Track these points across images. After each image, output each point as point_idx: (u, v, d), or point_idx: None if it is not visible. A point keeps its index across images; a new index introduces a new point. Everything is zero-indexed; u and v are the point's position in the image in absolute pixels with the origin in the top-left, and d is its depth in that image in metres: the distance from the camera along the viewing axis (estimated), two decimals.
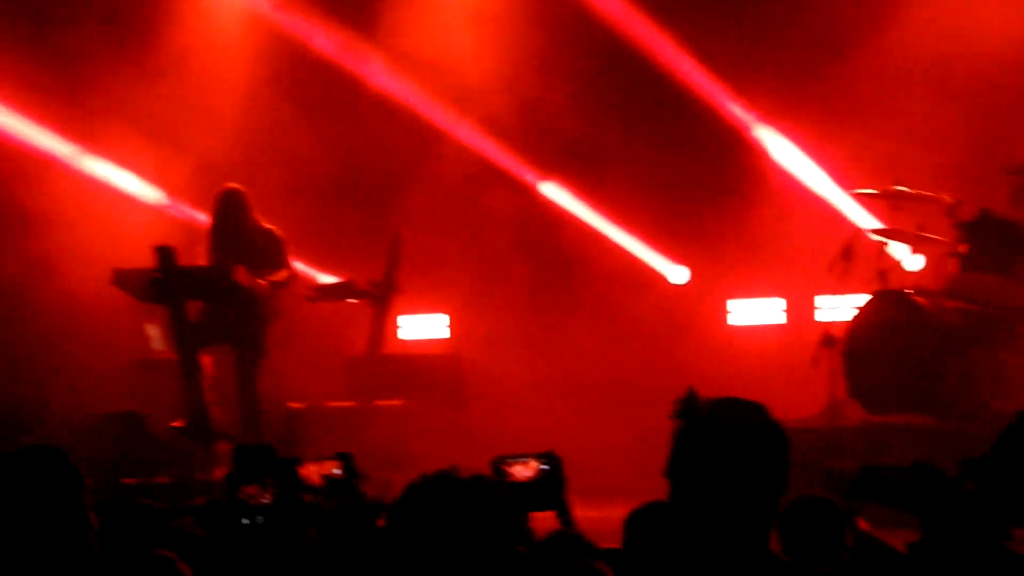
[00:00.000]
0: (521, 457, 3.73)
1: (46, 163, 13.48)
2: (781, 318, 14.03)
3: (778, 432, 3.58)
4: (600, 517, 9.23)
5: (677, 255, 14.17)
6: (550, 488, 3.71)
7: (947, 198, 11.69)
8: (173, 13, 13.86)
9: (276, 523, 3.30)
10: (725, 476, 3.44)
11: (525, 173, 14.21)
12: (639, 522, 4.79)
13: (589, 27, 13.54)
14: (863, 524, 4.91)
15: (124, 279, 11.16)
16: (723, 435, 3.49)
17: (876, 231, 11.90)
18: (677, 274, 14.20)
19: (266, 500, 3.33)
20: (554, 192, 14.28)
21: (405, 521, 3.45)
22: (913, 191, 11.79)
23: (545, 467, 3.78)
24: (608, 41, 13.55)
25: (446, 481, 3.74)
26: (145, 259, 10.90)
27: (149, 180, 13.82)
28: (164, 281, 10.85)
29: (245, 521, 3.31)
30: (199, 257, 11.68)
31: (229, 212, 11.56)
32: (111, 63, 13.33)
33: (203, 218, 12.36)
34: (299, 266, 12.90)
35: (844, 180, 12.92)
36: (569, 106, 13.85)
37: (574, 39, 13.70)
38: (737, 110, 13.65)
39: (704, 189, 13.57)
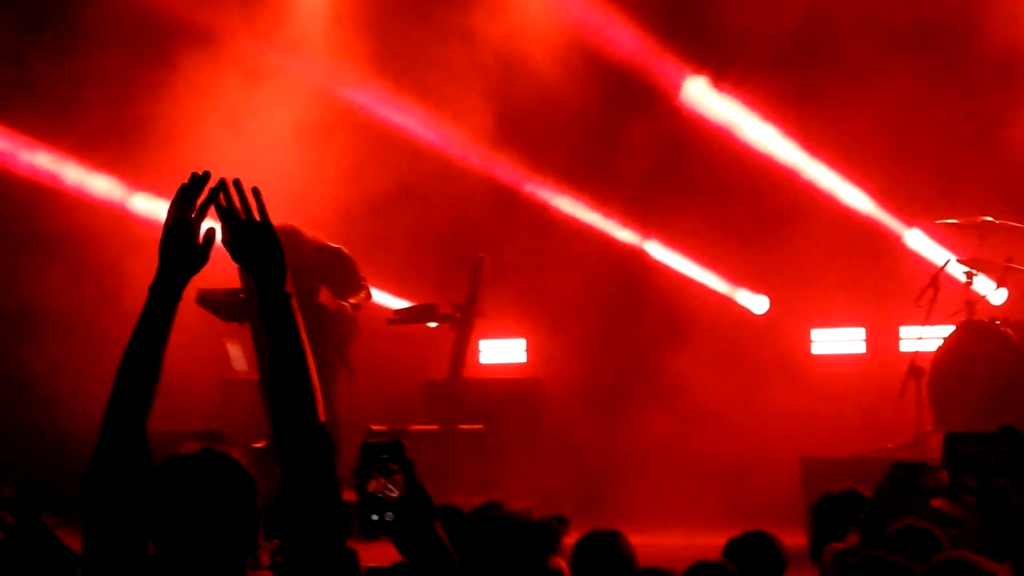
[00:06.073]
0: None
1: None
2: (864, 348, 13.86)
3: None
4: (668, 544, 9.20)
5: (759, 285, 14.01)
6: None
7: None
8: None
9: (404, 518, 3.32)
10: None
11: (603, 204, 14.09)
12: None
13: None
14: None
15: (209, 299, 11.22)
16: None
17: (963, 261, 11.77)
18: (758, 304, 14.05)
19: (394, 495, 3.35)
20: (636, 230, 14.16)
21: None
22: (999, 222, 11.67)
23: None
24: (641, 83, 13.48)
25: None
26: (230, 280, 10.93)
27: None
28: (249, 301, 10.87)
29: (375, 517, 3.34)
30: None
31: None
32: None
33: None
34: (380, 292, 12.91)
35: (930, 210, 12.73)
36: (647, 135, 13.77)
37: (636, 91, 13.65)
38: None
39: (788, 220, 13.37)
